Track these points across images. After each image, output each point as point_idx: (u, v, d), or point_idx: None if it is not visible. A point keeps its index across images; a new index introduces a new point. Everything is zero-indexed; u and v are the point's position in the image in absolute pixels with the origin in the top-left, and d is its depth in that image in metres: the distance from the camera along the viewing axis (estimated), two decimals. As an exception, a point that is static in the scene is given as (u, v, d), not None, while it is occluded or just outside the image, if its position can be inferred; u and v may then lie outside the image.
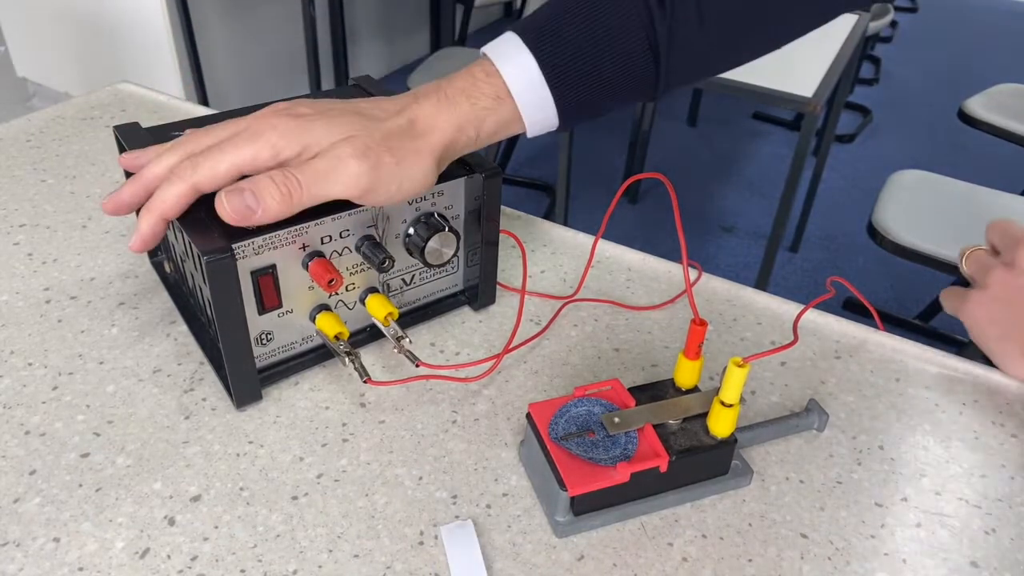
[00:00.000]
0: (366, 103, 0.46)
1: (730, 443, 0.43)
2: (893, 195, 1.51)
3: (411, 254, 0.50)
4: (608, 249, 0.65)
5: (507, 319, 0.56)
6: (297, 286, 0.46)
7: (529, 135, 0.47)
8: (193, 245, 0.43)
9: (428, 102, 0.45)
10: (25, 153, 0.74)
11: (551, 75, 0.44)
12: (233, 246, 0.42)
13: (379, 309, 0.49)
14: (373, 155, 0.42)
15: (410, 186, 0.44)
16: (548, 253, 0.64)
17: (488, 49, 0.46)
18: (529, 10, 1.71)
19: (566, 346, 0.54)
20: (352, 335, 0.51)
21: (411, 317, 0.55)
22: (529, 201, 2.41)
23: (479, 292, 0.56)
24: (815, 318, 0.58)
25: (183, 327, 0.53)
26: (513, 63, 0.45)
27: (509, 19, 3.88)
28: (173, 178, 0.42)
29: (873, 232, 1.43)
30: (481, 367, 0.52)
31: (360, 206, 0.46)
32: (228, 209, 0.40)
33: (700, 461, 0.43)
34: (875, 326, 0.57)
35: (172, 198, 0.42)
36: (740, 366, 0.40)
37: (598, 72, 0.45)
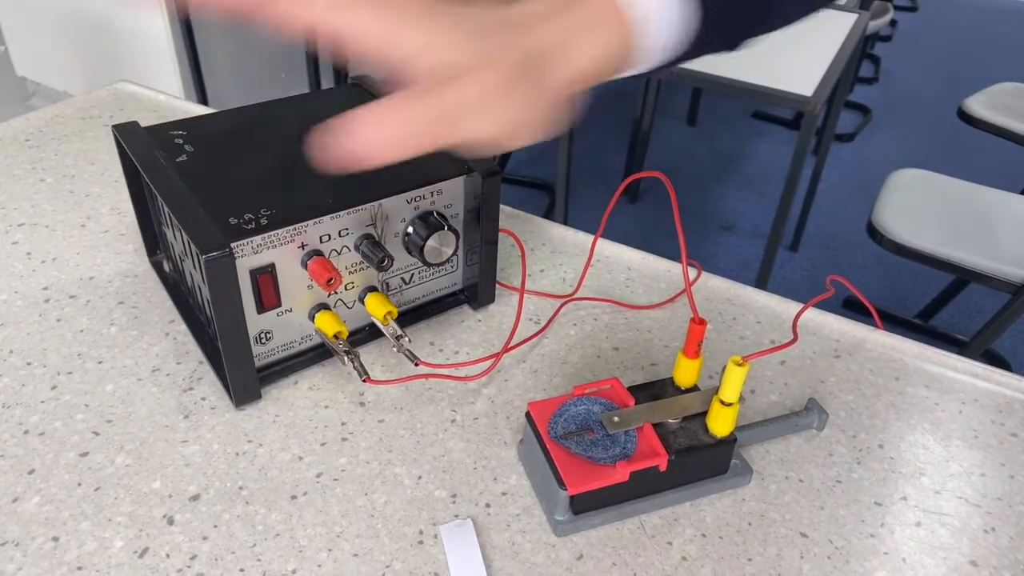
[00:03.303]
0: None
1: (729, 442, 0.43)
2: (893, 194, 1.51)
3: (410, 253, 0.50)
4: (607, 248, 0.65)
5: (506, 318, 0.56)
6: (296, 285, 0.46)
7: (638, 71, 0.37)
8: (192, 244, 0.43)
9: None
10: (24, 152, 0.74)
11: None
12: (232, 245, 0.42)
13: (378, 308, 0.49)
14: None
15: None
16: (547, 252, 0.64)
17: None
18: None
19: (565, 345, 0.54)
20: (351, 334, 0.51)
21: (410, 316, 0.55)
22: (529, 200, 2.41)
23: (478, 291, 0.56)
24: (815, 317, 0.58)
25: (182, 326, 0.53)
26: None
27: (509, 18, 3.87)
28: None
29: (873, 231, 1.43)
30: (480, 366, 0.51)
31: (360, 204, 0.46)
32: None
33: (699, 460, 0.43)
34: (875, 325, 0.57)
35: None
36: (740, 365, 0.40)
37: None
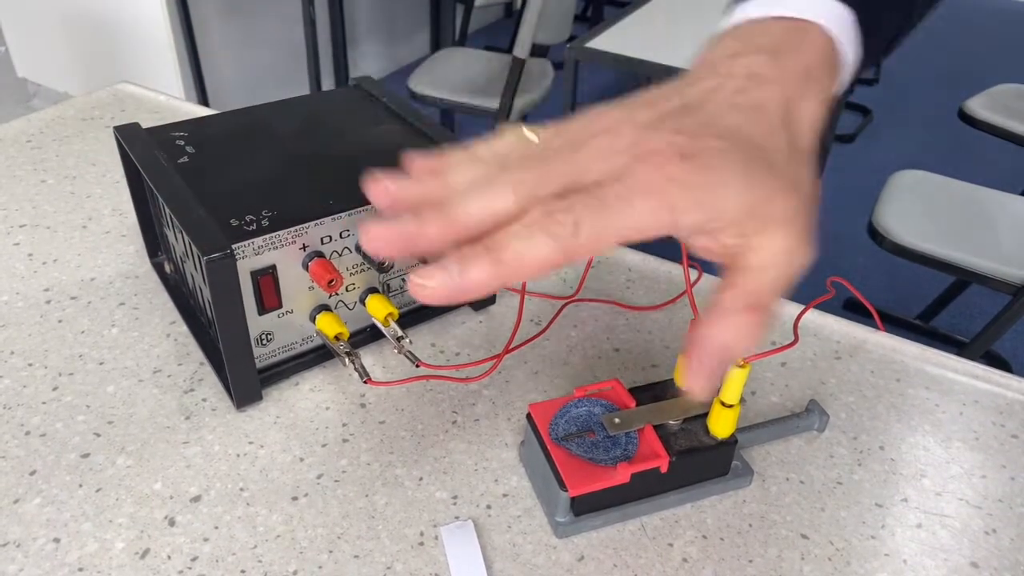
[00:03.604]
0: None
1: (730, 444, 0.43)
2: (893, 195, 1.51)
3: (411, 254, 0.50)
4: (608, 249, 0.65)
5: (507, 319, 0.56)
6: (297, 286, 0.46)
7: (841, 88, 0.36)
8: (193, 245, 0.43)
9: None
10: (25, 153, 0.74)
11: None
12: (233, 246, 0.42)
13: (379, 309, 0.49)
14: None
15: None
16: (548, 253, 0.64)
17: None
18: (529, 10, 1.70)
19: (566, 346, 0.54)
20: (352, 335, 0.51)
21: (411, 317, 0.55)
22: (529, 201, 2.40)
23: (479, 292, 0.56)
24: (815, 318, 0.58)
25: (183, 327, 0.53)
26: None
27: (509, 19, 3.88)
28: (536, 232, 0.27)
29: (873, 232, 1.43)
30: (481, 367, 0.51)
31: (361, 205, 0.46)
32: None
33: (700, 462, 0.43)
34: (875, 326, 0.57)
35: (535, 262, 0.27)
36: (740, 367, 0.40)
37: None
